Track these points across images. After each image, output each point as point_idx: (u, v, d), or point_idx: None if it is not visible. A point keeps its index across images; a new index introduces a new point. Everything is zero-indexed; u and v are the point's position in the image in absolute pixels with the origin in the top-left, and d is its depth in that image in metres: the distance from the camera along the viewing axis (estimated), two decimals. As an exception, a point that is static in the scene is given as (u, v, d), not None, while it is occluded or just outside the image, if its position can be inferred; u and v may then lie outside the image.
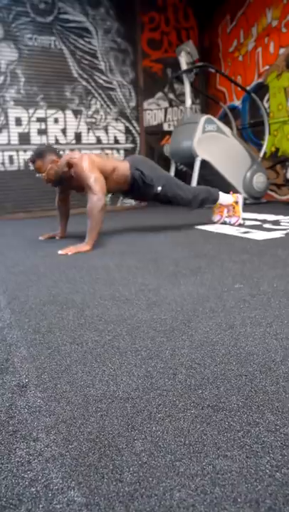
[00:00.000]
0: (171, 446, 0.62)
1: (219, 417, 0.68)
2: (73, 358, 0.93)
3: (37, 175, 2.50)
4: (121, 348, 0.97)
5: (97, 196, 2.26)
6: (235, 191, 3.78)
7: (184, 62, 4.53)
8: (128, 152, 5.61)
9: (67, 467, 0.58)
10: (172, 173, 4.98)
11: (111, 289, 1.48)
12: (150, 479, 0.55)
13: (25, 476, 0.57)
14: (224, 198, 2.96)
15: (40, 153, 2.40)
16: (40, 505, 0.52)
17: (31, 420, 0.70)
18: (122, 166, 2.58)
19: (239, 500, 0.51)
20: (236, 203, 3.01)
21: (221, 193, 2.94)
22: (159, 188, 2.65)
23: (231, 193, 3.02)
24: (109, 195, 2.72)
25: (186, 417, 0.69)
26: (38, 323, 1.16)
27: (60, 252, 2.18)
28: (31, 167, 2.52)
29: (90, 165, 2.34)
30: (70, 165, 2.38)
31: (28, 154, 5.03)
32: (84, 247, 2.24)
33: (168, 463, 0.58)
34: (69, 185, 2.55)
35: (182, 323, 1.12)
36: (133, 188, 2.67)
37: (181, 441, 0.63)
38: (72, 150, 4.73)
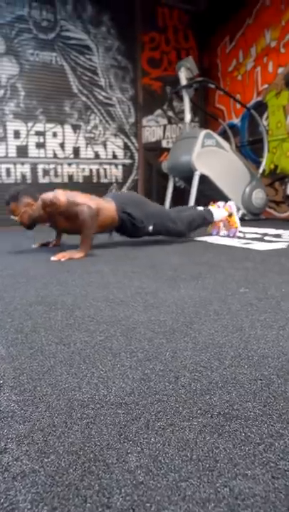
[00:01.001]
0: (175, 461, 0.49)
1: (233, 426, 0.55)
2: (58, 359, 0.80)
3: (11, 217, 2.37)
4: (114, 349, 0.84)
5: (85, 206, 2.14)
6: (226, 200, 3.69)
7: (183, 77, 4.54)
8: (126, 168, 5.58)
9: (40, 487, 0.45)
10: (170, 189, 4.92)
11: (105, 291, 1.36)
12: (148, 505, 0.42)
13: (-16, 498, 0.43)
14: (218, 215, 2.85)
15: (14, 196, 2.30)
16: (-2, 539, 0.38)
17: (1, 427, 0.56)
18: (107, 207, 2.38)
19: (268, 534, 0.38)
20: (230, 215, 2.90)
21: (214, 212, 2.81)
22: (151, 228, 2.49)
23: (223, 205, 2.92)
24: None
25: (193, 427, 0.56)
26: (22, 323, 1.03)
27: (52, 258, 2.06)
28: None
29: (64, 194, 2.20)
30: (46, 205, 2.20)
31: (26, 167, 4.98)
32: (78, 253, 2.13)
33: (171, 483, 0.45)
34: (58, 224, 2.37)
35: (184, 324, 0.99)
36: (122, 229, 2.52)
37: (187, 455, 0.50)
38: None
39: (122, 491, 0.44)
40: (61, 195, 2.19)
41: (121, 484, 0.45)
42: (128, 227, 2.48)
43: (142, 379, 0.70)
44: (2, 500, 0.43)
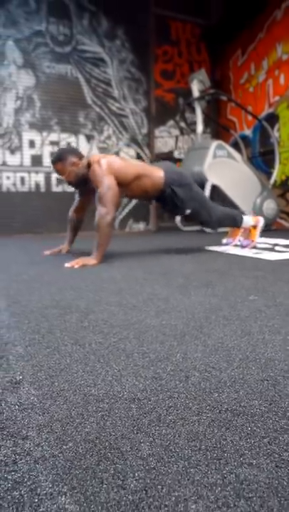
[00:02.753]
0: (185, 451, 0.52)
1: (240, 421, 0.59)
2: (74, 358, 0.84)
3: (58, 177, 2.48)
4: (127, 350, 0.88)
5: (106, 209, 2.19)
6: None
7: (196, 89, 4.62)
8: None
9: (60, 469, 0.49)
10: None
11: (117, 297, 1.40)
12: (159, 487, 0.45)
13: (9, 477, 0.47)
14: (246, 223, 2.86)
15: (60, 156, 2.35)
16: (24, 512, 0.42)
17: (22, 417, 0.61)
18: (155, 174, 2.44)
19: (271, 515, 0.41)
20: (254, 227, 2.90)
21: (244, 219, 2.84)
22: (188, 211, 2.57)
23: (253, 213, 2.95)
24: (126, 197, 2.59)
25: (202, 421, 0.59)
26: (38, 325, 1.08)
27: (66, 264, 2.11)
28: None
29: (105, 169, 2.23)
30: (89, 165, 2.32)
31: (40, 176, 5.08)
32: (91, 260, 2.17)
33: (181, 469, 0.48)
34: (89, 187, 2.43)
35: (194, 329, 1.02)
36: (161, 200, 2.59)
37: (196, 446, 0.53)
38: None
39: (136, 475, 0.47)
40: (102, 164, 2.24)
41: (135, 469, 0.48)
42: (168, 203, 2.55)
43: (154, 377, 0.74)
44: (26, 479, 0.47)
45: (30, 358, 0.84)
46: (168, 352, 0.87)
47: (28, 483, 0.46)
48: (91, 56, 5.33)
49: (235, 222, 2.82)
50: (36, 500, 0.44)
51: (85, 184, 2.42)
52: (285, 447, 0.52)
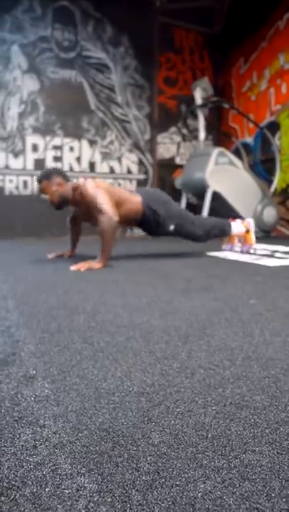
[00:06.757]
0: (192, 439, 0.56)
1: (244, 414, 0.62)
2: (84, 355, 0.88)
3: (41, 195, 2.52)
4: (134, 348, 0.92)
5: (107, 215, 2.24)
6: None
7: (198, 97, 4.69)
8: (140, 183, 5.71)
9: (77, 454, 0.52)
10: (183, 205, 5.02)
11: (122, 299, 1.44)
12: (170, 470, 0.49)
13: (31, 459, 0.51)
14: (236, 230, 2.93)
15: (46, 175, 2.42)
16: (47, 489, 0.46)
17: (38, 408, 0.64)
18: (134, 200, 2.53)
19: (273, 495, 0.45)
20: (248, 231, 2.98)
21: (232, 225, 2.90)
22: (172, 227, 2.63)
23: (241, 222, 3.00)
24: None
25: (208, 413, 0.63)
26: (47, 325, 1.12)
27: (72, 267, 2.15)
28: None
29: (95, 187, 2.33)
30: (75, 188, 2.39)
31: (42, 180, 5.13)
32: (96, 264, 2.21)
33: (189, 455, 0.52)
34: (79, 212, 2.57)
35: (197, 330, 1.06)
36: (144, 224, 2.64)
37: (203, 435, 0.57)
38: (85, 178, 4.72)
39: (148, 459, 0.51)
40: (91, 187, 2.32)
41: (147, 454, 0.52)
42: (151, 223, 2.60)
43: (161, 374, 0.78)
44: (46, 462, 0.51)
45: (41, 355, 0.88)
46: (173, 351, 0.91)
47: (49, 465, 0.50)
48: (95, 62, 5.41)
49: (224, 232, 2.88)
50: (58, 479, 0.47)
51: (67, 206, 2.51)
52: (285, 437, 0.56)
